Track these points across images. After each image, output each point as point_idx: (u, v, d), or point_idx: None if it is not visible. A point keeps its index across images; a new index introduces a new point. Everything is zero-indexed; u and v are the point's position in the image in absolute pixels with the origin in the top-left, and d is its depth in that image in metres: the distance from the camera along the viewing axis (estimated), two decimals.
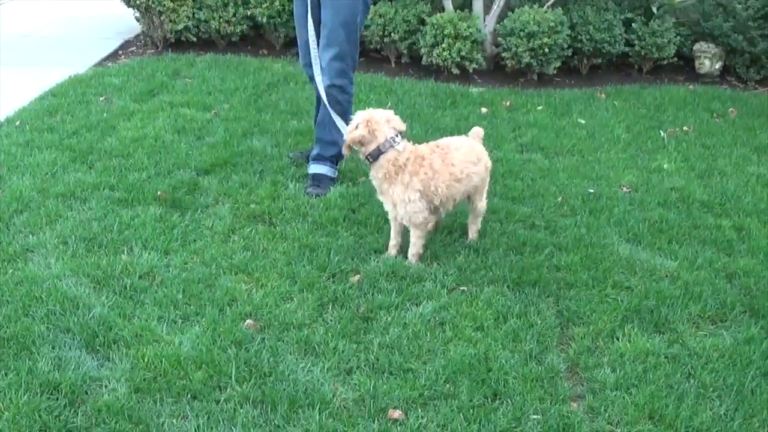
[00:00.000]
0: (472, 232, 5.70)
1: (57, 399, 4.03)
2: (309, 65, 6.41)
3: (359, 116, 5.35)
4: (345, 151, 5.39)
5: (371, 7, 6.39)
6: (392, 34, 9.57)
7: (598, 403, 4.21)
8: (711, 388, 4.35)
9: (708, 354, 4.62)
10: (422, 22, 9.64)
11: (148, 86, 8.48)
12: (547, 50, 9.19)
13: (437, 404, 4.13)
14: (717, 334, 4.84)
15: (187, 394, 4.12)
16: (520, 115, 8.23)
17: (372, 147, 5.27)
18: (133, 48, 10.51)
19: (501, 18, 9.66)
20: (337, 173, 6.53)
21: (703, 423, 4.08)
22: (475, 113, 8.17)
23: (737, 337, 4.78)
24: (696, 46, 10.03)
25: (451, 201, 5.40)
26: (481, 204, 5.64)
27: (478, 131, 5.66)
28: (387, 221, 5.78)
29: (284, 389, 4.16)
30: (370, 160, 5.32)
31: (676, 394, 4.27)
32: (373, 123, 5.26)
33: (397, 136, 5.31)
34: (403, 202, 5.26)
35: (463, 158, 5.35)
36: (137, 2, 9.92)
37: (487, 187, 5.65)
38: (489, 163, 5.60)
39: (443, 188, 5.28)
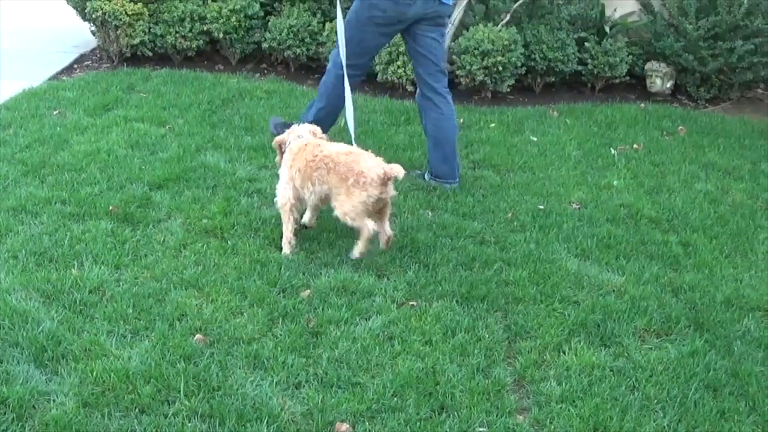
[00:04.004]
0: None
1: (4, 413, 4.02)
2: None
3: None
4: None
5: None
6: None
7: (543, 416, 4.28)
8: (655, 400, 4.44)
9: (653, 367, 4.71)
10: None
11: (102, 100, 8.44)
12: (500, 68, 9.26)
13: (385, 417, 4.17)
14: (662, 347, 4.93)
15: (136, 408, 4.13)
16: (473, 132, 8.28)
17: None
18: (89, 62, 10.45)
19: (455, 36, 9.71)
20: None
21: None
22: None
23: (682, 350, 4.87)
24: (647, 65, 10.15)
25: (305, 191, 5.68)
26: (335, 212, 5.62)
27: (397, 170, 5.55)
28: (338, 237, 5.85)
29: (233, 403, 4.18)
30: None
31: (620, 407, 4.35)
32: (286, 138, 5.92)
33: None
34: (279, 181, 5.86)
35: (320, 158, 5.59)
36: (93, 16, 9.86)
37: (345, 205, 5.50)
38: (357, 179, 5.42)
39: (298, 175, 5.66)
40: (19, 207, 6.03)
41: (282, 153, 5.91)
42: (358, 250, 5.58)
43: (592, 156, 7.86)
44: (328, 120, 6.92)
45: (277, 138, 5.99)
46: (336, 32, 6.84)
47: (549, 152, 7.87)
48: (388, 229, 5.68)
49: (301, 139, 5.80)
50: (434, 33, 6.65)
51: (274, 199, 5.84)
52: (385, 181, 5.47)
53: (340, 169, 5.48)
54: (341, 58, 6.53)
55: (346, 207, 5.48)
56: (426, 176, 6.96)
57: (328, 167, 5.52)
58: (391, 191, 5.58)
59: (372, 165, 5.48)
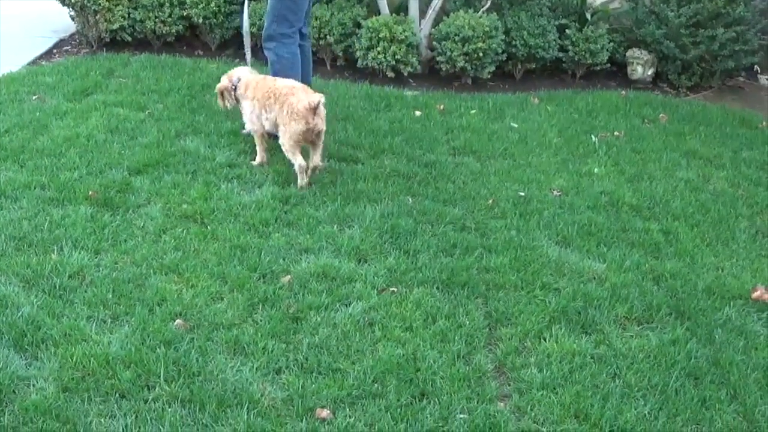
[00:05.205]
0: None
1: None
2: None
3: None
4: None
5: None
6: (328, 37, 9.57)
7: (524, 403, 4.27)
8: (636, 388, 4.44)
9: (634, 354, 4.71)
10: (358, 25, 9.65)
11: (81, 85, 8.38)
12: (481, 55, 9.25)
13: (365, 403, 4.16)
14: (643, 335, 4.93)
15: (116, 393, 4.11)
16: (453, 119, 8.27)
17: None
18: (68, 47, 10.38)
19: (436, 22, 9.71)
20: None
21: (628, 422, 4.17)
22: (409, 116, 8.19)
23: (663, 338, 4.88)
24: (629, 53, 10.16)
25: (262, 118, 6.67)
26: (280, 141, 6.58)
27: (317, 98, 6.25)
28: (319, 222, 5.84)
29: (213, 389, 4.17)
30: None
31: (601, 394, 4.35)
32: None
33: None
34: (245, 112, 6.96)
35: (272, 89, 6.57)
36: (72, 1, 9.80)
37: (283, 137, 6.41)
38: (289, 111, 6.29)
39: (257, 104, 6.69)
40: None
41: (224, 98, 7.01)
42: (298, 184, 6.41)
43: (573, 143, 7.85)
44: None
45: (219, 85, 7.05)
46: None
47: (530, 139, 7.86)
48: (317, 159, 6.44)
49: (253, 75, 6.93)
50: None
51: (245, 127, 6.99)
52: (311, 110, 6.19)
53: (281, 100, 6.36)
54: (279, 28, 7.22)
55: (284, 138, 6.39)
56: None
57: (275, 97, 6.43)
58: (320, 123, 6.30)
59: (301, 98, 6.26)
